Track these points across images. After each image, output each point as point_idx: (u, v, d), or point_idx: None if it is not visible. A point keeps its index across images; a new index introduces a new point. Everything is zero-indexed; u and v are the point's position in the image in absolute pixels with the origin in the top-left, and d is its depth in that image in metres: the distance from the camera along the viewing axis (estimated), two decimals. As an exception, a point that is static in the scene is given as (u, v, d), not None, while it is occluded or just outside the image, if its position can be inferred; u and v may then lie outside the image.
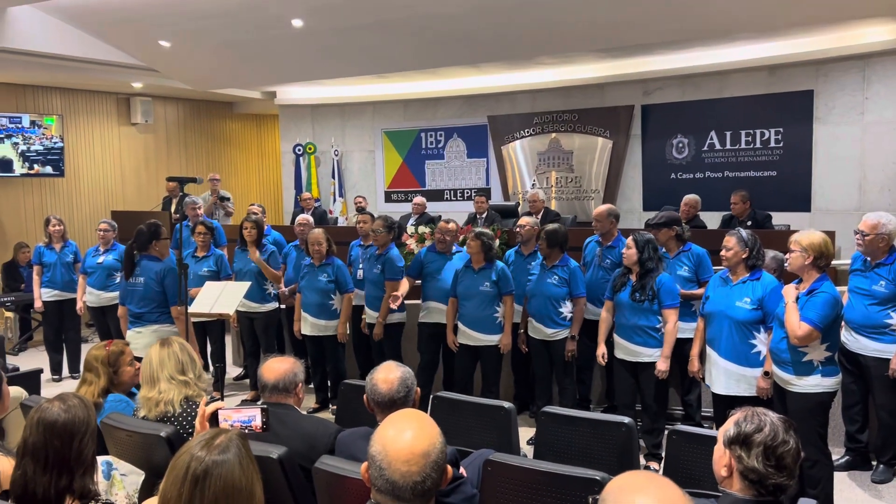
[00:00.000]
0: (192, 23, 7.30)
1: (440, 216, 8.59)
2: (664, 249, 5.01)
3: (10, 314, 8.50)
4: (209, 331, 6.13)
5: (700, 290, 4.71)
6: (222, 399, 5.66)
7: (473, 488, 2.36)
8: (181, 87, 9.72)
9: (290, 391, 2.82)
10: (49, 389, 5.82)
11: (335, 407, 5.13)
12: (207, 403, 2.40)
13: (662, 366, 4.45)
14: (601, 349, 4.78)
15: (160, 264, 4.86)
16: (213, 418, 2.34)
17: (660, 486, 1.33)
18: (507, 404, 3.32)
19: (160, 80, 9.34)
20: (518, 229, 5.51)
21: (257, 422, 2.31)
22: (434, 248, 5.50)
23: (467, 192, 10.22)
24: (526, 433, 4.72)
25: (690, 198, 7.04)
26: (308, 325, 5.77)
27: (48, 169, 9.29)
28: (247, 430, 2.30)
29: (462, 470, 2.39)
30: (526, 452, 4.22)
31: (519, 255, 5.54)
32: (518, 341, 5.31)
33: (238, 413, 2.33)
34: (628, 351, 4.59)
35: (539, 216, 7.80)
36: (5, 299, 8.24)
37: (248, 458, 1.71)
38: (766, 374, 3.91)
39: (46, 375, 6.77)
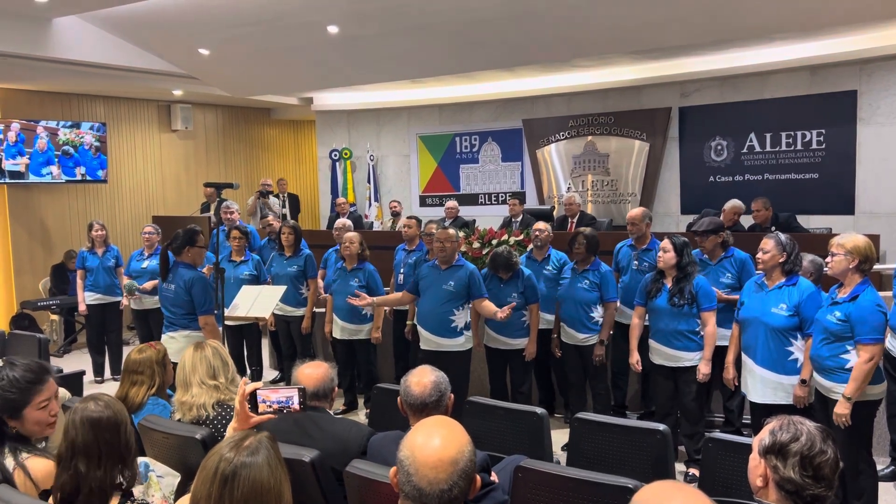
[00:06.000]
0: (230, 31, 7.42)
1: (474, 220, 8.61)
2: (706, 256, 4.92)
3: (55, 317, 8.73)
4: (246, 334, 6.22)
5: (737, 296, 4.62)
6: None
7: (505, 494, 2.35)
8: (220, 94, 9.88)
9: (327, 397, 2.90)
10: (91, 391, 5.93)
11: (368, 410, 5.15)
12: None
13: (705, 368, 4.37)
14: (634, 356, 4.72)
15: (190, 272, 4.73)
16: (252, 399, 2.29)
17: (688, 497, 1.30)
18: (539, 410, 3.31)
19: (200, 88, 9.50)
20: (536, 233, 5.45)
21: (295, 403, 2.28)
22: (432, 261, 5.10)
23: (502, 196, 10.19)
24: (556, 438, 4.67)
25: (735, 204, 6.80)
26: (338, 328, 5.80)
27: (91, 175, 9.51)
28: (285, 411, 2.29)
29: (493, 476, 2.38)
30: (559, 458, 4.19)
31: (532, 261, 5.46)
32: (552, 345, 5.28)
33: (276, 393, 2.29)
34: (668, 356, 4.51)
35: (575, 220, 7.75)
36: (51, 302, 8.46)
37: (276, 459, 1.73)
38: (804, 381, 3.82)
39: (89, 377, 6.94)
